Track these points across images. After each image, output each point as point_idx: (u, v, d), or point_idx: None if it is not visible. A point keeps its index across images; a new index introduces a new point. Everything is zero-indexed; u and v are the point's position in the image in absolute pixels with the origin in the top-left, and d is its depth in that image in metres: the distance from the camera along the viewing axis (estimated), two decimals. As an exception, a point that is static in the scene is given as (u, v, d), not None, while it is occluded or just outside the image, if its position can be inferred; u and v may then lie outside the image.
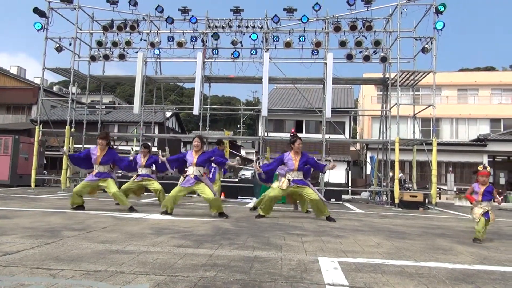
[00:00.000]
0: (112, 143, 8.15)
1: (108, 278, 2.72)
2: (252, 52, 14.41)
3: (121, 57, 14.82)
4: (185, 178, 7.09)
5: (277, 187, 7.17)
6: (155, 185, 8.93)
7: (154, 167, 9.14)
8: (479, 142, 24.67)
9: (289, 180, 7.05)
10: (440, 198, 17.72)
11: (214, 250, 3.86)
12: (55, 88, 43.07)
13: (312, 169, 7.47)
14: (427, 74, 13.24)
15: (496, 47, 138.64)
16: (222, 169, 11.36)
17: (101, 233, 4.68)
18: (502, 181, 25.40)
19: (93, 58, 15.03)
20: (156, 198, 9.44)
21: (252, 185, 13.58)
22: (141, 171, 8.94)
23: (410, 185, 14.75)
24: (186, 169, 7.27)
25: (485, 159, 24.64)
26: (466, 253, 4.35)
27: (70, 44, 14.54)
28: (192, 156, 7.03)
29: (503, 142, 24.28)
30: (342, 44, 13.83)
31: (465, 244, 5.04)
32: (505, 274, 3.36)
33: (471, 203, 5.42)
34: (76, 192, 7.34)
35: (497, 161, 25.94)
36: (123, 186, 8.82)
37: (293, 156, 7.11)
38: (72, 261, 3.17)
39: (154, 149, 17.93)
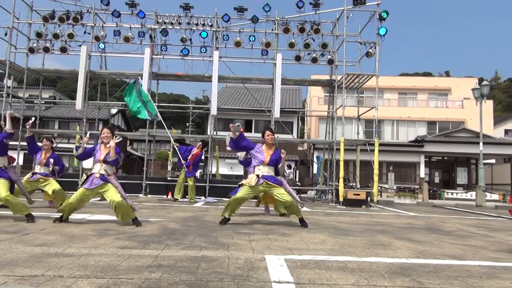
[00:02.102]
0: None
1: (45, 283, 2.58)
2: (201, 50, 14.28)
3: (63, 50, 14.10)
4: (88, 177, 5.77)
5: (245, 187, 6.24)
6: (53, 185, 7.60)
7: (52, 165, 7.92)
8: (417, 143, 26.22)
9: (257, 175, 6.18)
10: (381, 196, 18.59)
11: (160, 251, 3.78)
12: (-12, 81, 40.07)
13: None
14: (371, 77, 13.85)
15: (432, 54, 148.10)
16: (184, 168, 11.13)
17: (38, 236, 4.42)
18: (437, 179, 27.23)
19: (31, 50, 14.16)
20: (99, 198, 8.30)
21: (204, 184, 13.47)
22: (39, 169, 7.72)
23: (354, 184, 15.34)
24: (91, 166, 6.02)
25: (422, 159, 26.23)
26: (403, 248, 4.60)
27: (6, 34, 13.65)
28: (100, 151, 5.86)
29: (438, 143, 25.96)
30: (291, 45, 14.11)
31: (403, 239, 5.33)
32: (438, 267, 3.59)
33: None
34: None
35: (432, 161, 27.72)
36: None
37: (264, 149, 6.36)
38: (5, 266, 2.97)
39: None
